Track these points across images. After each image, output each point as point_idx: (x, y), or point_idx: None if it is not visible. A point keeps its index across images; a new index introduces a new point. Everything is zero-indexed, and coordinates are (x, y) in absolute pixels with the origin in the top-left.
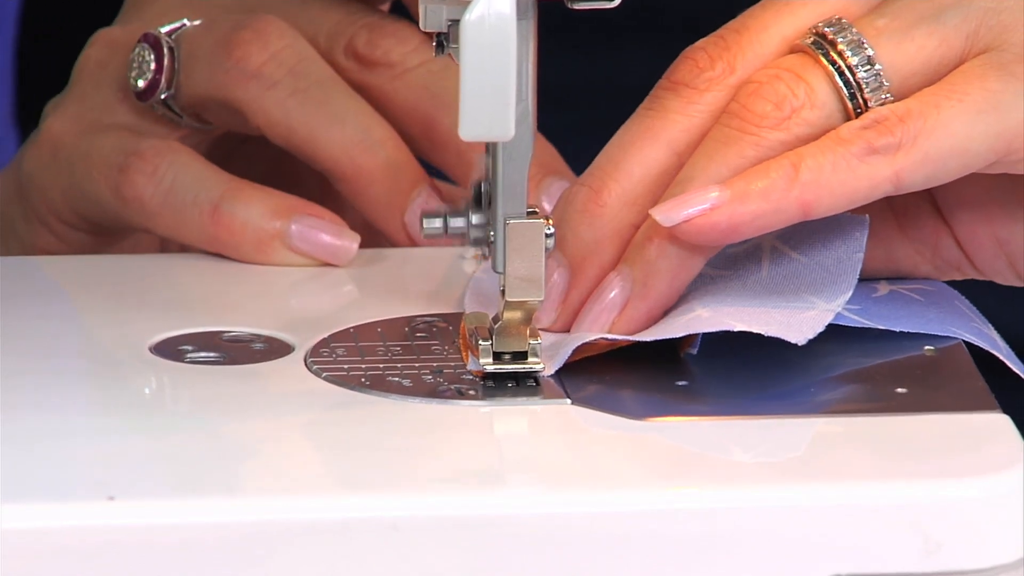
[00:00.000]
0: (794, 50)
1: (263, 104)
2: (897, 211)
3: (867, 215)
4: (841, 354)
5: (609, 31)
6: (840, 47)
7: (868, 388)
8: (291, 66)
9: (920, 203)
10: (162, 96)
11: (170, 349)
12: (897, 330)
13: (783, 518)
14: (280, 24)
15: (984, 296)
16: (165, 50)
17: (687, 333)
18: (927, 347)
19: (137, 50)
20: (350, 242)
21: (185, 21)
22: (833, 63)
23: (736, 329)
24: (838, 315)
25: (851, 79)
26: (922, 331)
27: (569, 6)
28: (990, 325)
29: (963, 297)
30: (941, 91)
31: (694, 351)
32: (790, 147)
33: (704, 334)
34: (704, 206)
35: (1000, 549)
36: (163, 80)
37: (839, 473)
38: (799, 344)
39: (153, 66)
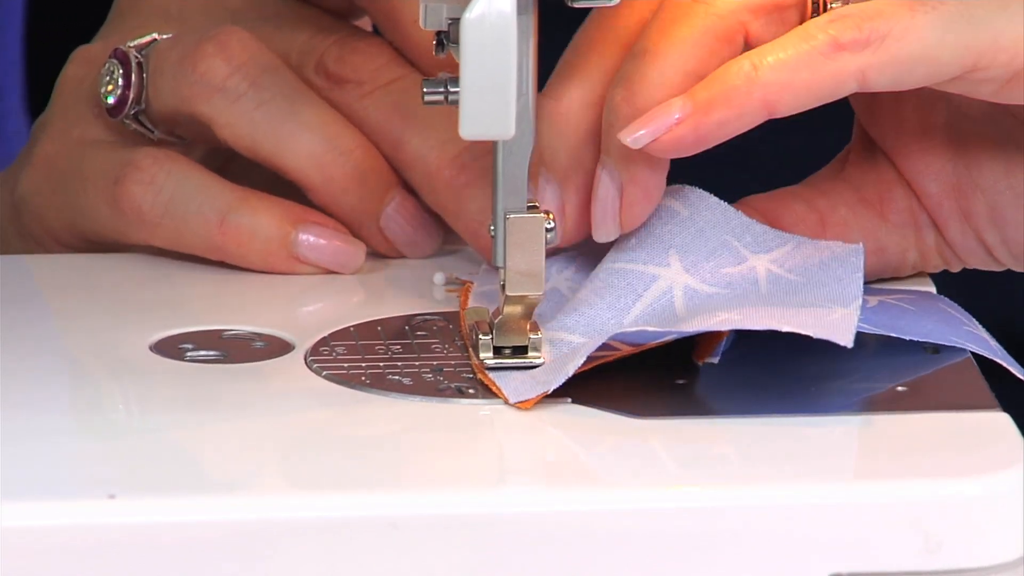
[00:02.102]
0: None
1: (228, 118)
2: (871, 198)
3: (861, 243)
4: (841, 352)
5: None
6: None
7: (868, 387)
8: (255, 79)
9: (892, 184)
10: (132, 112)
11: (170, 347)
12: (907, 338)
13: (783, 517)
14: (244, 36)
15: (985, 293)
16: (133, 65)
17: (724, 328)
18: (927, 345)
19: (107, 66)
20: (357, 250)
21: (155, 35)
22: None
23: (784, 329)
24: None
25: None
26: (925, 340)
27: (570, 4)
28: (977, 323)
29: (948, 300)
30: None
31: (715, 360)
32: (742, 12)
33: (722, 346)
34: (669, 121)
35: (1000, 548)
36: (131, 96)
37: (839, 472)
38: (848, 347)
39: (122, 82)
